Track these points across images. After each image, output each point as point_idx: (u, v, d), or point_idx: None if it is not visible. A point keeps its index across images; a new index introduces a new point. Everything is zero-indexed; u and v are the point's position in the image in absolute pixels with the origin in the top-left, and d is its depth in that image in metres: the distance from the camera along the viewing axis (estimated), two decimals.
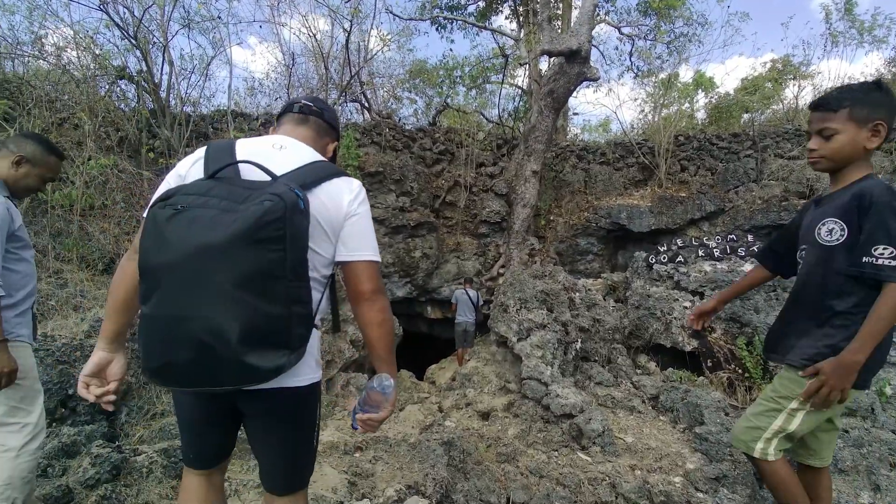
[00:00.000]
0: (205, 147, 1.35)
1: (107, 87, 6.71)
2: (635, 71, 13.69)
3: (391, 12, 10.58)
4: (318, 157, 1.37)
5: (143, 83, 7.00)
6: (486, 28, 10.67)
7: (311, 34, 8.86)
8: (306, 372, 1.30)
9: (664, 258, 7.49)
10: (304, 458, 1.42)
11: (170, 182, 1.33)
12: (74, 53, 6.29)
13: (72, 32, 6.15)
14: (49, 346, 2.91)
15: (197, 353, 1.06)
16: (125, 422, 3.11)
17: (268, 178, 1.19)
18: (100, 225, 4.47)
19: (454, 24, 12.97)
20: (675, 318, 6.62)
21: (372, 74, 11.10)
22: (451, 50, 14.32)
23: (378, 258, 1.35)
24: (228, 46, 10.58)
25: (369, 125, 9.78)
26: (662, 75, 12.66)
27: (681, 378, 5.88)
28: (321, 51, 8.60)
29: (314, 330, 1.30)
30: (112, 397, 1.33)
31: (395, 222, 8.84)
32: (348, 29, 8.64)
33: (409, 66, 12.80)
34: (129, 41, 6.41)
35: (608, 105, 28.83)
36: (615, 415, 5.46)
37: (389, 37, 10.36)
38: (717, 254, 7.10)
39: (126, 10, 6.33)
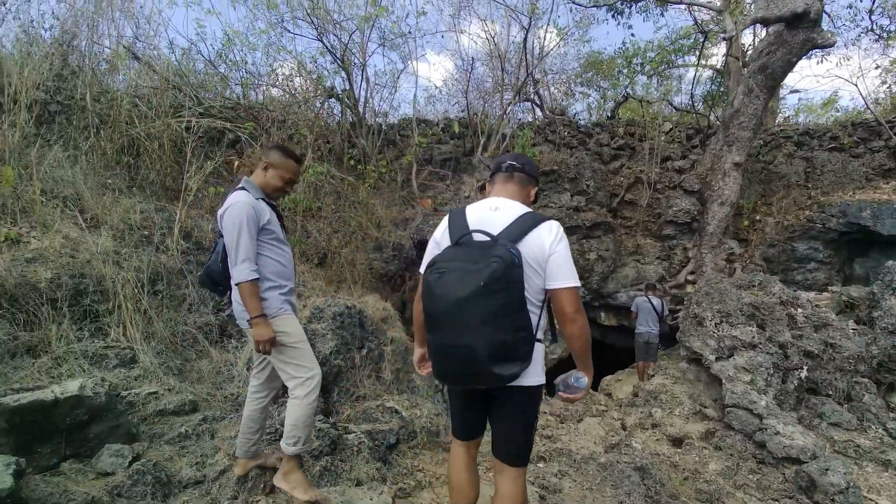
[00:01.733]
0: (447, 216, 1.89)
1: (319, 105, 7.83)
2: (878, 32, 10.73)
3: (573, 1, 10.07)
4: (524, 209, 1.80)
5: (346, 100, 7.98)
6: (681, 2, 9.45)
7: (489, 36, 9.03)
8: (534, 376, 1.75)
9: None
10: (527, 439, 1.88)
11: (431, 247, 1.90)
12: (298, 80, 7.50)
13: (296, 63, 7.35)
14: None
15: (463, 366, 1.62)
16: (336, 401, 3.49)
17: (489, 239, 1.66)
18: (315, 224, 5.22)
19: (633, 7, 11.86)
20: None
21: (544, 71, 10.87)
22: (632, 35, 12.97)
23: (577, 283, 1.70)
24: (414, 60, 11.46)
25: (542, 123, 9.58)
26: None
27: None
28: (499, 52, 8.69)
29: (538, 344, 1.74)
30: (429, 370, 1.97)
31: (570, 223, 8.46)
32: (527, 25, 8.56)
33: (583, 59, 12.21)
34: (338, 64, 7.37)
35: (843, 76, 23.01)
36: (860, 468, 4.31)
37: (566, 29, 9.97)
38: None
39: (336, 38, 7.29)
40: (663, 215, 8.79)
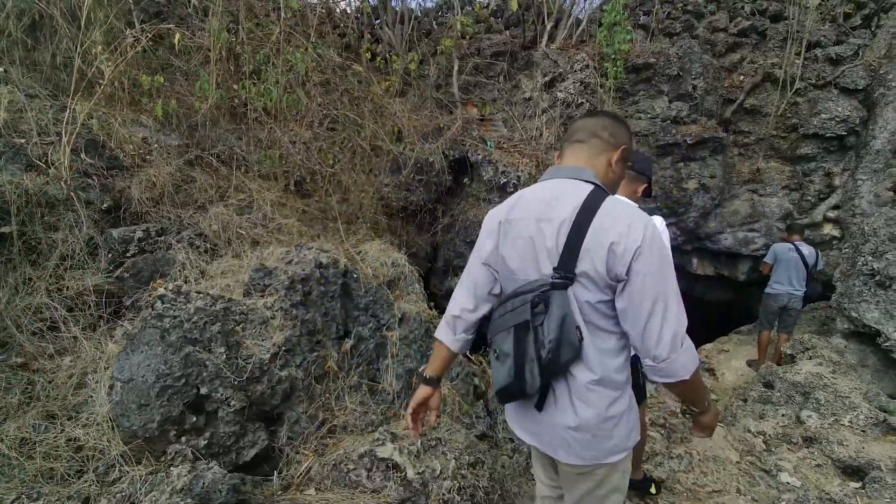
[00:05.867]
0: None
1: None
2: None
3: None
4: None
5: None
6: None
7: None
8: None
9: None
10: None
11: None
12: None
13: None
14: (177, 312, 1.82)
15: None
16: (288, 438, 1.91)
17: None
18: (293, 130, 3.44)
19: None
20: None
21: None
22: None
23: None
24: None
25: (632, 2, 7.03)
26: None
27: None
28: None
29: None
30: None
31: (665, 139, 6.22)
32: None
33: None
34: None
35: None
36: None
37: None
38: None
39: None
40: (802, 127, 6.32)
